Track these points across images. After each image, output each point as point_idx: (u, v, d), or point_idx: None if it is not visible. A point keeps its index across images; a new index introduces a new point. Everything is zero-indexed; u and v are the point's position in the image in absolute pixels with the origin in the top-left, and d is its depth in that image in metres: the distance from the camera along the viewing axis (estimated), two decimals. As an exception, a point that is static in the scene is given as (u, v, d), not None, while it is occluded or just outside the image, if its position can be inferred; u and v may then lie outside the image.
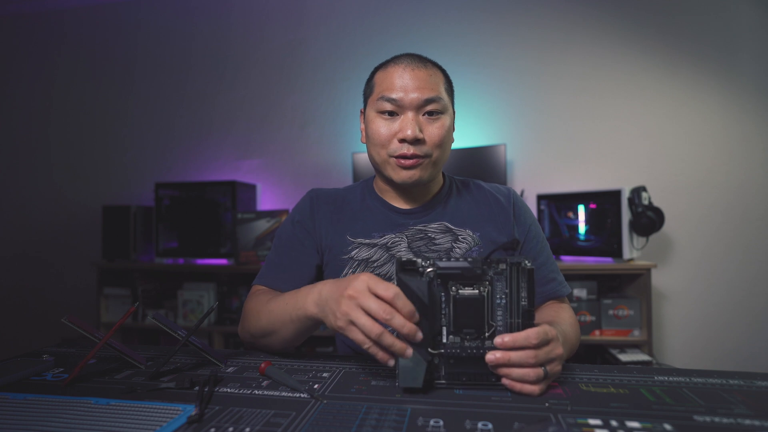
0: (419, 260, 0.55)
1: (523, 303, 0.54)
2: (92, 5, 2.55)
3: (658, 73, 2.03)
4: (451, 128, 0.80)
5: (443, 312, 0.55)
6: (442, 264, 0.54)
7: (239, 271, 2.05)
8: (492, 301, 0.55)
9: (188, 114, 2.47)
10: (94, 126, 2.56)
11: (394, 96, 0.74)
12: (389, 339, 0.51)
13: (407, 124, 0.74)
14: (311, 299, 0.60)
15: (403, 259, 0.55)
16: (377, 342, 0.51)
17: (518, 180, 2.14)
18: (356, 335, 0.52)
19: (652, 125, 2.04)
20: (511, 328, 0.54)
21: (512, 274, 0.54)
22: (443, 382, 0.55)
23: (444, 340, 0.55)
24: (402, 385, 0.53)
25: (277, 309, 0.66)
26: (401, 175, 0.76)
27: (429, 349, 0.54)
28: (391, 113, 0.76)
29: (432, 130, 0.75)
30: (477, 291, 0.55)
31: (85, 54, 2.57)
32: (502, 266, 0.54)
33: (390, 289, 0.51)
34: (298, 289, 0.66)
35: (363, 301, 0.52)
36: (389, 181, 0.80)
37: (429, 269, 0.54)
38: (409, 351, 0.51)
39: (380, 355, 0.51)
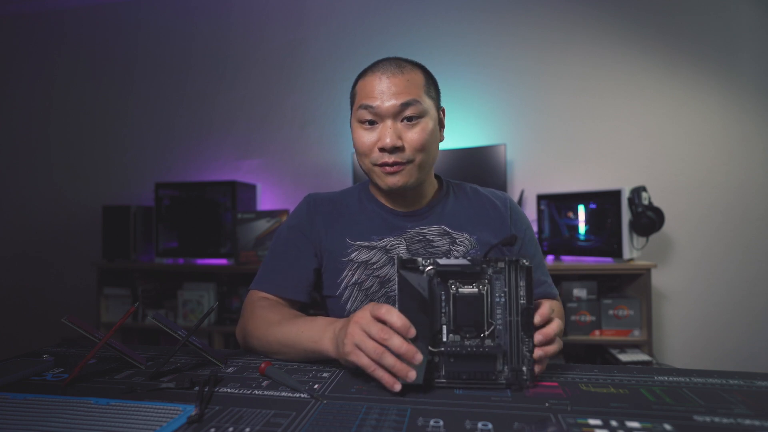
0: (419, 258, 0.55)
1: (522, 301, 0.54)
2: (92, 5, 2.55)
3: (658, 73, 2.03)
4: (435, 129, 0.79)
5: (443, 310, 0.55)
6: (441, 262, 0.55)
7: (239, 271, 2.05)
8: (491, 300, 0.55)
9: (188, 114, 2.47)
10: (94, 126, 2.56)
11: (371, 104, 0.74)
12: (390, 360, 0.52)
13: (385, 133, 0.74)
14: (328, 336, 0.61)
15: (404, 257, 0.55)
16: (380, 363, 0.52)
17: (518, 180, 2.14)
18: (362, 359, 0.53)
19: (652, 125, 2.04)
20: (510, 326, 0.55)
21: (511, 272, 0.55)
22: (443, 380, 0.55)
23: (444, 339, 0.55)
24: (403, 381, 0.53)
25: (290, 335, 0.66)
26: (387, 182, 0.77)
27: (429, 348, 0.54)
28: (371, 122, 0.76)
29: (411, 136, 0.75)
30: (476, 289, 0.55)
31: (85, 54, 2.57)
32: (501, 265, 0.55)
33: (383, 308, 0.54)
34: (314, 319, 0.67)
35: (366, 325, 0.54)
36: (379, 187, 0.81)
37: (429, 267, 0.55)
38: (412, 374, 0.52)
39: (385, 378, 0.52)
